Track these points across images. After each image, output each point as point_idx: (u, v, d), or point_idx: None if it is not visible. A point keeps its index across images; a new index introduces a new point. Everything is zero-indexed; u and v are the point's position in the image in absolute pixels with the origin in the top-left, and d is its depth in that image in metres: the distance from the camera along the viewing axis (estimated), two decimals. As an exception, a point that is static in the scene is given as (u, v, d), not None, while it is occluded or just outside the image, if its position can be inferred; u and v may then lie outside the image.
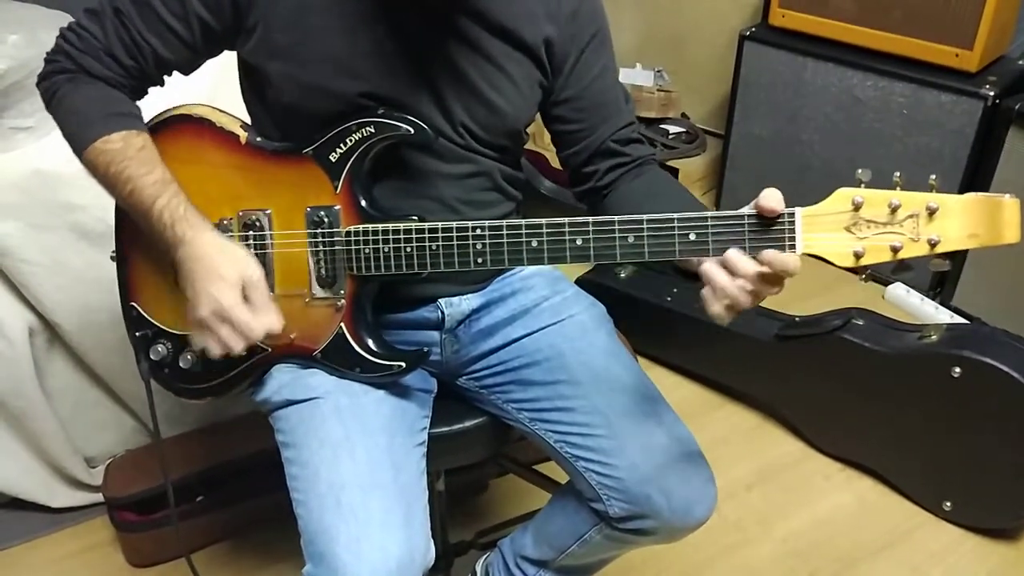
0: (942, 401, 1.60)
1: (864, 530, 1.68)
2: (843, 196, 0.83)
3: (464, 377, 1.19)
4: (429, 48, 1.00)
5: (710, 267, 0.86)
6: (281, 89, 1.01)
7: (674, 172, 2.77)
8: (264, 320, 0.95)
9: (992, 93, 2.01)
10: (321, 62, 0.99)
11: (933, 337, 1.63)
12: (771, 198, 0.84)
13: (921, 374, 1.62)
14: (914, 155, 2.17)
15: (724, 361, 1.96)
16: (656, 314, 2.01)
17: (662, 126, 2.84)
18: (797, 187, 2.43)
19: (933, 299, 2.23)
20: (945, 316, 2.16)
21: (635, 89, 2.82)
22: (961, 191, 2.00)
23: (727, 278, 0.85)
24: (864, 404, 1.72)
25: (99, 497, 1.64)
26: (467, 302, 1.14)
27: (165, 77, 1.07)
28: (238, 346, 0.95)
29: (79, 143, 1.01)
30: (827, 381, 1.76)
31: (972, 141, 2.06)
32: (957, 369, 1.56)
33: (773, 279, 0.84)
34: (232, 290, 0.94)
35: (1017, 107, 1.96)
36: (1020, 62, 2.17)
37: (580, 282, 2.05)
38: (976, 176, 2.08)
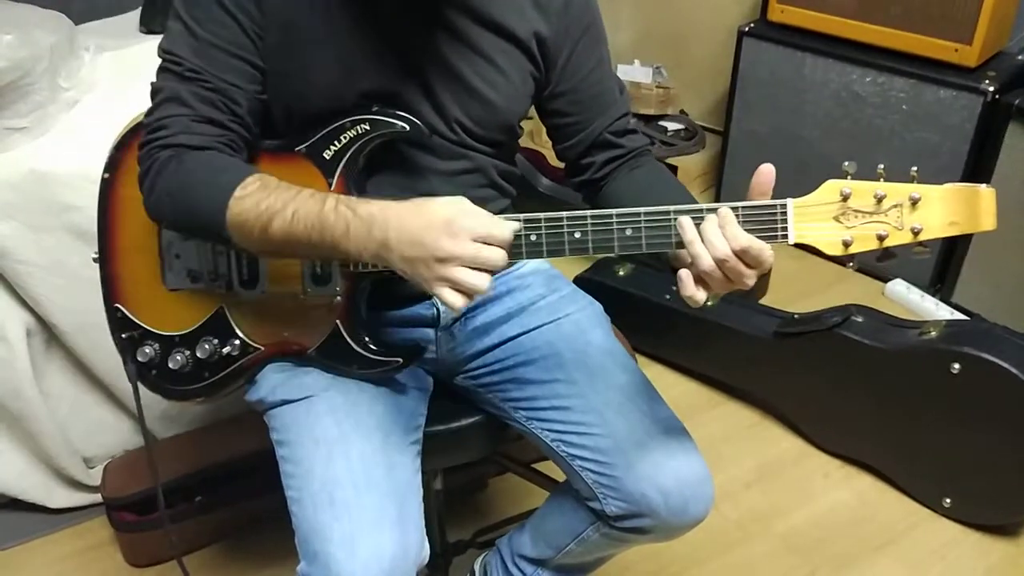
0: (941, 397, 1.60)
1: (864, 527, 1.67)
2: (832, 187, 0.86)
3: (460, 375, 1.18)
4: (420, 44, 1.00)
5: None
6: (274, 90, 1.01)
7: (673, 169, 2.77)
8: (506, 224, 0.86)
9: (992, 88, 2.00)
10: (312, 62, 0.99)
11: (932, 333, 1.62)
12: (763, 172, 0.87)
13: (920, 370, 1.61)
14: (914, 150, 2.16)
15: (723, 359, 1.96)
16: (655, 312, 2.01)
17: (661, 123, 2.84)
18: (797, 183, 2.39)
19: (933, 295, 2.23)
20: (945, 312, 2.15)
21: (633, 86, 2.82)
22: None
23: (703, 249, 0.85)
24: (863, 401, 1.72)
25: (97, 497, 1.63)
26: (462, 300, 1.14)
27: (257, 125, 1.01)
28: (500, 261, 0.85)
29: (217, 204, 0.91)
30: (826, 378, 1.76)
31: (972, 136, 2.06)
32: (956, 365, 1.56)
33: (749, 260, 0.85)
34: (459, 208, 0.85)
35: (1016, 102, 1.95)
36: (1019, 57, 2.17)
37: (579, 280, 2.05)
38: (976, 171, 2.07)
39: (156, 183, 0.95)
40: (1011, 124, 1.97)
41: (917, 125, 2.15)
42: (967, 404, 1.57)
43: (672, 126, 2.83)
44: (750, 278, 0.86)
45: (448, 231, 0.83)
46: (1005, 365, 1.51)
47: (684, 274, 0.86)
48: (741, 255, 0.84)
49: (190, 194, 0.94)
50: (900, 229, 0.85)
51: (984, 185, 0.82)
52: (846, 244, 0.86)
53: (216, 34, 0.95)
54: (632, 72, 2.83)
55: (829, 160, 2.33)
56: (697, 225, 0.86)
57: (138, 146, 0.98)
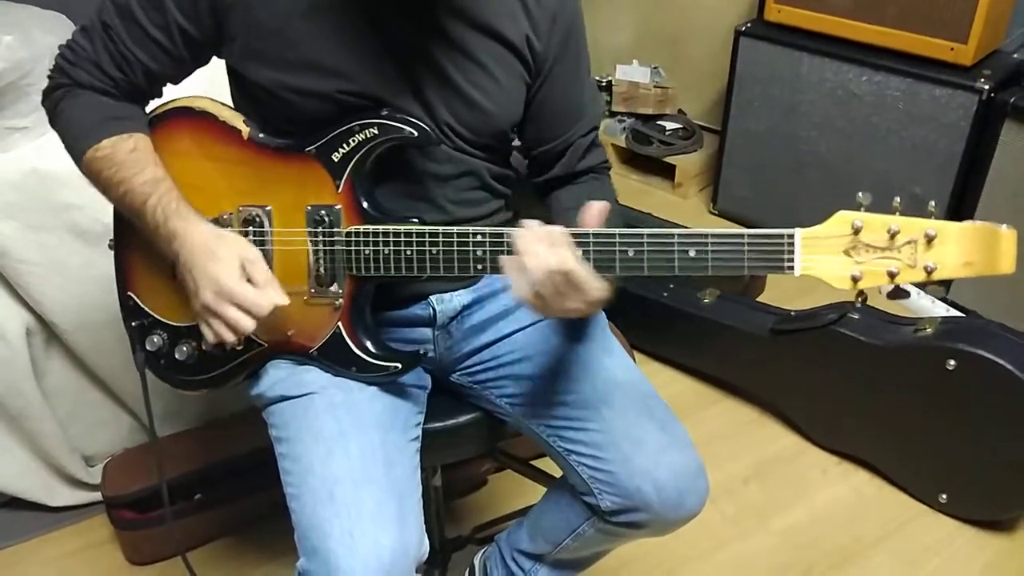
0: (937, 394, 1.60)
1: (861, 523, 1.68)
2: (843, 219, 0.82)
3: (457, 373, 1.19)
4: (412, 47, 1.01)
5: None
6: (268, 93, 1.02)
7: (671, 168, 2.78)
8: (269, 294, 0.96)
9: (987, 87, 2.01)
10: (305, 65, 0.99)
11: (928, 330, 1.63)
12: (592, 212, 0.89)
13: (916, 367, 1.62)
14: (910, 149, 2.17)
15: (720, 356, 1.97)
16: (652, 310, 2.01)
17: (659, 122, 2.85)
18: (794, 182, 2.44)
19: (929, 293, 2.23)
20: (941, 309, 2.15)
21: (632, 86, 2.83)
22: (956, 185, 1.99)
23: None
24: (860, 398, 1.72)
25: (98, 496, 1.64)
26: (458, 298, 1.15)
27: (161, 88, 1.08)
28: (248, 325, 0.95)
29: (76, 154, 1.04)
30: (823, 375, 1.76)
31: (967, 135, 2.06)
32: (952, 362, 1.56)
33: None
34: (231, 269, 0.95)
35: (1012, 100, 1.96)
36: (1015, 56, 2.17)
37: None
38: (971, 169, 2.08)
39: (47, 100, 1.07)
40: (1006, 122, 1.98)
41: (913, 124, 2.15)
42: (963, 400, 1.58)
43: (670, 125, 2.84)
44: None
45: (215, 288, 0.94)
46: (1000, 362, 1.52)
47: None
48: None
49: (62, 129, 1.06)
50: (913, 267, 0.80)
51: (1005, 226, 0.78)
52: (855, 279, 0.82)
53: (147, 14, 1.00)
54: (630, 72, 2.84)
55: (825, 159, 2.34)
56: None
57: (55, 56, 1.06)
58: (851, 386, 1.73)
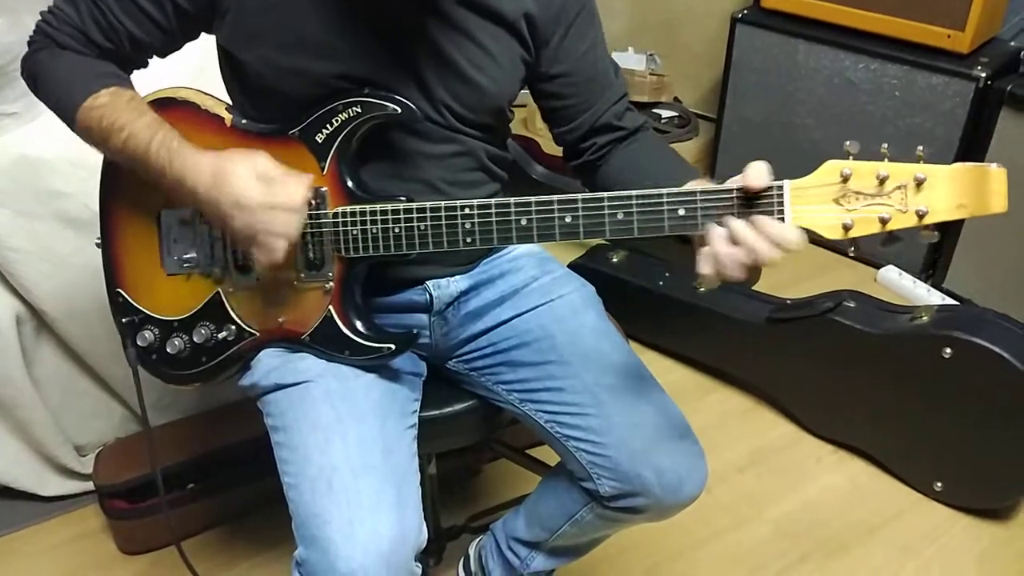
0: (933, 382, 1.60)
1: (856, 512, 1.68)
2: (831, 168, 0.82)
3: (454, 360, 1.18)
4: (407, 27, 0.99)
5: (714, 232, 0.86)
6: (259, 73, 1.00)
7: (666, 157, 2.77)
8: (296, 187, 0.93)
9: (984, 74, 2.01)
10: (297, 44, 0.98)
11: (924, 318, 1.63)
12: (755, 176, 0.84)
13: (912, 355, 1.62)
14: (906, 136, 2.16)
15: (716, 345, 1.96)
16: (648, 298, 2.01)
17: (654, 110, 2.83)
18: (790, 171, 2.41)
19: (925, 281, 2.24)
20: (937, 298, 2.16)
21: (627, 73, 2.80)
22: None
23: (726, 247, 0.84)
24: (856, 386, 1.72)
25: (90, 485, 1.63)
26: (455, 284, 1.14)
27: (147, 59, 1.07)
28: (290, 221, 0.92)
29: (69, 108, 1.00)
30: (819, 363, 1.76)
31: (964, 122, 2.07)
32: (948, 350, 1.56)
33: (766, 251, 0.83)
34: (247, 180, 0.92)
35: (1008, 88, 1.96)
36: (1012, 43, 2.17)
37: (572, 266, 2.05)
38: (967, 157, 2.07)
39: (28, 63, 1.04)
40: (1003, 110, 1.98)
41: (910, 111, 2.15)
42: (959, 389, 1.58)
43: (666, 113, 2.83)
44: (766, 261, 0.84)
45: (241, 202, 0.91)
46: (996, 349, 1.52)
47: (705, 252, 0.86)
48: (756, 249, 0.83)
49: (50, 88, 1.02)
50: (904, 212, 0.79)
51: (995, 164, 0.77)
52: (846, 228, 0.81)
53: None
54: (626, 59, 2.82)
55: (822, 147, 2.33)
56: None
57: (36, 22, 1.03)
58: (847, 375, 1.73)
